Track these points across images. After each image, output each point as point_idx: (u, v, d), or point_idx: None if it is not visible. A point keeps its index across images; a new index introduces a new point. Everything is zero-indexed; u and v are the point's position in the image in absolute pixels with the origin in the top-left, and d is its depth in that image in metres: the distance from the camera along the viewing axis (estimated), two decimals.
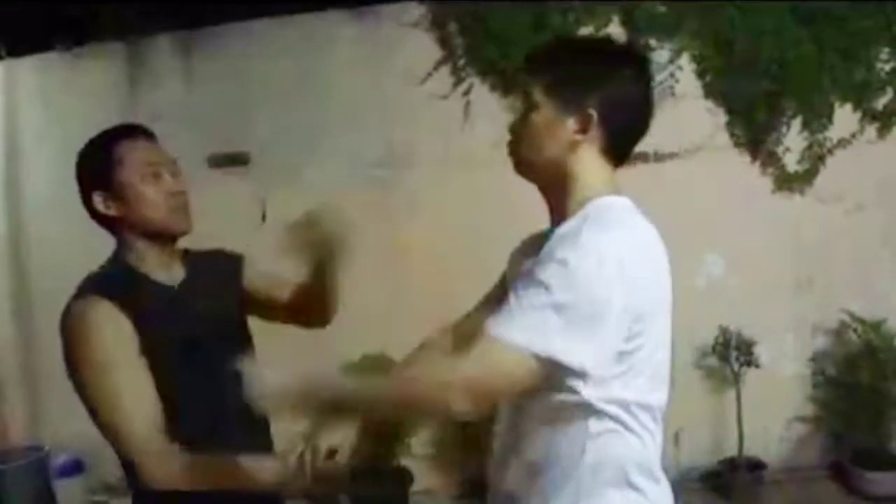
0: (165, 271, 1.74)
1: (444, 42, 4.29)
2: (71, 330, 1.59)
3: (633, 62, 1.47)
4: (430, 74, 4.26)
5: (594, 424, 1.35)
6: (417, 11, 4.29)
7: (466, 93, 4.27)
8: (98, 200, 1.70)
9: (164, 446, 1.50)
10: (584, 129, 1.39)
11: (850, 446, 4.15)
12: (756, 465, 4.07)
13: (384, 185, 4.35)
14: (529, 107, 1.45)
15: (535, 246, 1.47)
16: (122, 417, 1.52)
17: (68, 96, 4.75)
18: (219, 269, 1.93)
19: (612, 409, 1.34)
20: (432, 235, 4.27)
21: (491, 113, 4.22)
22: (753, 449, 4.07)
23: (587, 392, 1.30)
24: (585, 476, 1.37)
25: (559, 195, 1.45)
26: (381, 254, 4.32)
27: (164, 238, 1.73)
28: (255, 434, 1.70)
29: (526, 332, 1.24)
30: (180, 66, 4.56)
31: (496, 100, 4.26)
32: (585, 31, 4.16)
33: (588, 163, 1.42)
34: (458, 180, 4.26)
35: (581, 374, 1.27)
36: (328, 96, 4.42)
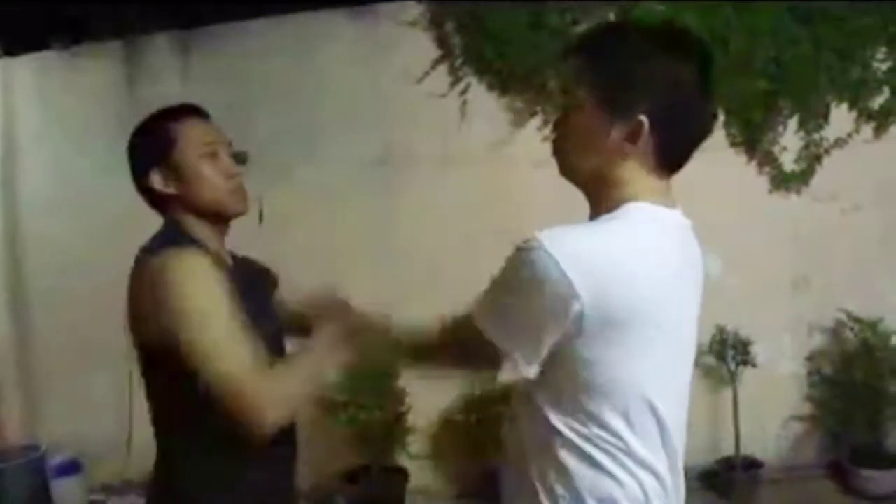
0: (218, 252, 1.72)
1: (441, 41, 4.29)
2: (169, 277, 1.51)
3: (694, 58, 1.28)
4: (427, 73, 4.26)
5: (560, 449, 1.27)
6: (415, 10, 4.29)
7: (464, 92, 4.27)
8: (156, 178, 1.70)
9: (269, 380, 1.44)
10: (633, 139, 1.25)
11: (847, 445, 4.16)
12: (753, 464, 4.08)
13: (382, 184, 4.35)
14: (572, 105, 1.30)
15: None
16: (232, 360, 1.42)
17: (66, 95, 4.75)
18: (257, 271, 1.99)
19: (579, 436, 1.26)
20: (430, 234, 4.27)
21: (489, 112, 4.23)
22: (750, 448, 4.07)
23: (546, 405, 1.28)
24: None
25: (598, 198, 1.33)
26: (378, 252, 4.33)
27: (220, 219, 1.74)
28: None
29: (481, 316, 1.29)
30: (178, 65, 4.56)
31: (494, 99, 4.26)
32: (583, 28, 4.16)
33: (634, 170, 1.28)
34: (455, 179, 4.26)
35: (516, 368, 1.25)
36: (326, 95, 4.42)
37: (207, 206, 1.69)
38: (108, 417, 4.71)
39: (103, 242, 4.60)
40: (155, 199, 1.73)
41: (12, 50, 4.74)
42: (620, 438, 1.25)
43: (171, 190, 1.68)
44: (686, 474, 1.42)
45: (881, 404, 4.03)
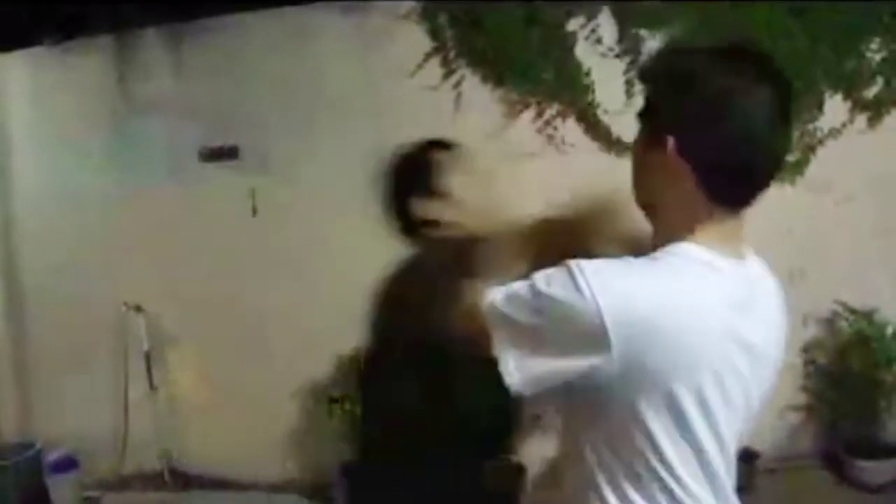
0: None
1: (434, 34, 4.27)
2: None
3: (751, 78, 1.17)
4: (420, 66, 4.24)
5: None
6: (408, 4, 4.28)
7: (457, 84, 4.26)
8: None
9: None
10: (664, 161, 1.18)
11: (842, 435, 4.16)
12: (749, 455, 4.08)
13: (376, 176, 4.34)
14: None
15: None
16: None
17: (57, 92, 4.73)
18: None
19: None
20: None
21: (483, 104, 4.22)
22: (746, 438, 4.07)
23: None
24: None
25: (654, 231, 1.27)
26: (373, 244, 4.32)
27: None
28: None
29: (492, 314, 1.21)
30: (170, 60, 4.54)
31: (488, 91, 4.25)
32: (576, 22, 4.15)
33: (682, 203, 1.19)
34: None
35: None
36: (318, 89, 4.40)
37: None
38: (103, 414, 4.71)
39: (97, 240, 4.60)
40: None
41: (3, 46, 4.71)
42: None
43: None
44: None
45: (876, 395, 4.03)
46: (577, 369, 1.14)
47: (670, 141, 1.16)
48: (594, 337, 1.10)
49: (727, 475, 1.28)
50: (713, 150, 1.15)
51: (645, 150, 1.23)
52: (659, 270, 1.16)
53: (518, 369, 1.17)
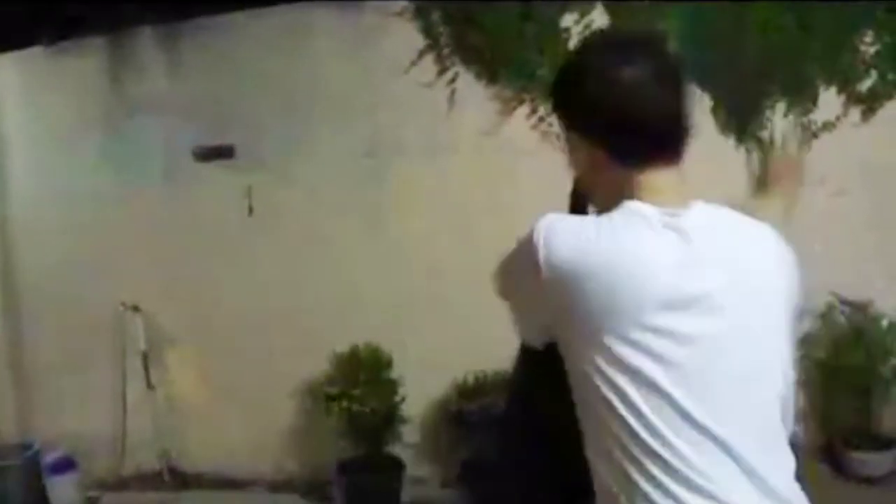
0: None
1: (428, 31, 4.27)
2: None
3: (598, 49, 1.36)
4: (414, 63, 4.24)
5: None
6: (401, 2, 4.28)
7: (452, 81, 4.26)
8: None
9: None
10: (576, 148, 1.32)
11: (838, 428, 4.18)
12: None
13: (371, 174, 4.35)
14: None
15: None
16: None
17: (52, 92, 4.72)
18: None
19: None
20: (420, 223, 4.27)
21: (477, 101, 4.22)
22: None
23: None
24: None
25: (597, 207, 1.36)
26: (369, 242, 4.33)
27: None
28: None
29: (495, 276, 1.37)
30: (166, 59, 4.54)
31: (482, 88, 4.26)
32: (570, 17, 4.16)
33: (604, 178, 1.29)
34: (444, 168, 4.26)
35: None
36: (314, 87, 4.41)
37: None
38: (101, 414, 4.71)
39: (94, 239, 4.60)
40: None
41: None
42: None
43: None
44: None
45: (872, 387, 4.05)
46: (540, 321, 1.27)
47: (572, 130, 1.30)
48: (536, 286, 1.21)
49: (751, 440, 1.19)
50: (599, 120, 1.27)
51: (565, 148, 1.35)
52: (599, 224, 1.23)
53: (518, 321, 1.34)
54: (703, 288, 1.20)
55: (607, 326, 1.16)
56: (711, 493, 1.13)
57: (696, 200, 1.28)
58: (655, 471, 1.14)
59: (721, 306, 1.21)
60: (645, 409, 1.15)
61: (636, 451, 1.16)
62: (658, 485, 1.14)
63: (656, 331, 1.16)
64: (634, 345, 1.15)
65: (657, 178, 1.26)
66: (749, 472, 1.16)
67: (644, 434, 1.15)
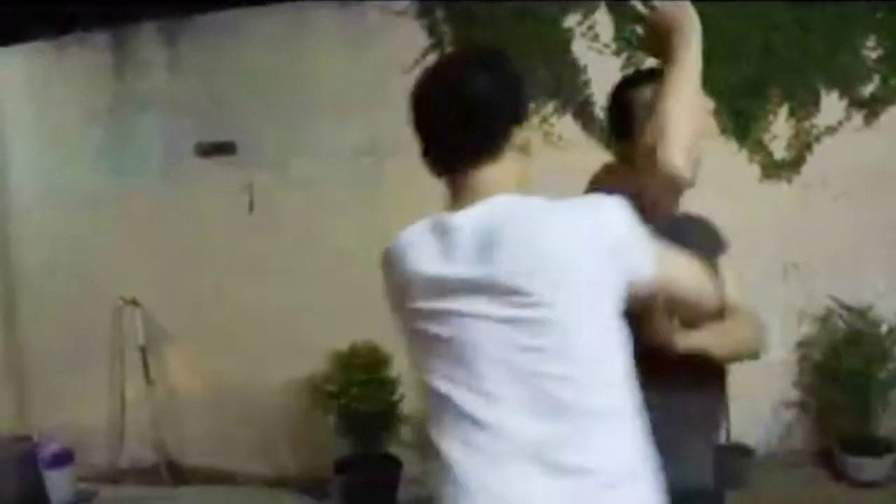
0: None
1: (431, 30, 4.27)
2: None
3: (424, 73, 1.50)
4: (417, 62, 4.24)
5: None
6: (405, 1, 4.28)
7: None
8: None
9: None
10: None
11: (837, 432, 4.17)
12: (744, 451, 4.09)
13: (370, 172, 4.34)
14: None
15: None
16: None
17: (54, 87, 4.72)
18: None
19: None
20: (419, 221, 4.27)
21: None
22: (741, 435, 4.09)
23: None
24: None
25: None
26: (367, 241, 4.32)
27: None
28: None
29: None
30: (166, 55, 4.54)
31: None
32: (574, 17, 4.16)
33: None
34: None
35: None
36: (314, 85, 4.41)
37: None
38: (99, 408, 4.71)
39: (94, 234, 4.60)
40: None
41: (0, 41, 4.71)
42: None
43: None
44: None
45: (870, 391, 4.04)
46: None
47: None
48: None
49: (520, 418, 1.31)
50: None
51: None
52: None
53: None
54: (472, 274, 1.35)
55: (399, 310, 1.61)
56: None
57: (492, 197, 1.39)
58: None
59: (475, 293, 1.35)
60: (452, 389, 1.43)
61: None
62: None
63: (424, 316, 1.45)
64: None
65: (458, 182, 1.49)
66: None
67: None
